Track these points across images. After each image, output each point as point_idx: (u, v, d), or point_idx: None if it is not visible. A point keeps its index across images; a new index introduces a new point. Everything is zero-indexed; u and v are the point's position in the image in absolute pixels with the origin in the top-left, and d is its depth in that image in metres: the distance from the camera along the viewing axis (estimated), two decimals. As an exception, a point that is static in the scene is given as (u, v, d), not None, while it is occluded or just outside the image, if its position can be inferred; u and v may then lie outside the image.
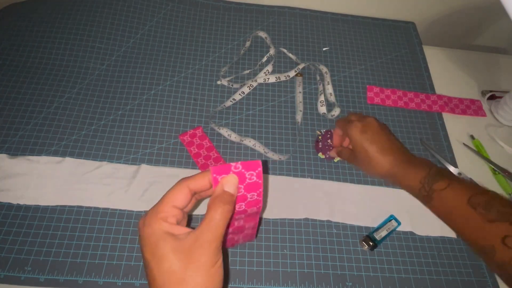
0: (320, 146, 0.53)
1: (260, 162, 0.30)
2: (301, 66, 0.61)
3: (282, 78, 0.60)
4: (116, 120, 0.53)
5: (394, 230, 0.48)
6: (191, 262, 0.27)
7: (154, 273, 0.27)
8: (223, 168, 0.29)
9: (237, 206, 0.32)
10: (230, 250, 0.45)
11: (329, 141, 0.53)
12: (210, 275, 0.27)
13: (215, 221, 0.28)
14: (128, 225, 0.45)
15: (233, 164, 0.29)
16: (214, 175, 0.29)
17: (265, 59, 0.63)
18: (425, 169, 0.42)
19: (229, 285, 0.43)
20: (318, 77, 0.61)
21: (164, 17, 0.65)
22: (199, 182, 0.31)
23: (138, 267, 0.43)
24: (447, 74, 0.68)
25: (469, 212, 0.38)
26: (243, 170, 0.30)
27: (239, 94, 0.57)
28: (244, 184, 0.31)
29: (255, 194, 0.32)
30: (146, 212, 0.30)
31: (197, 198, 0.33)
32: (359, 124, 0.46)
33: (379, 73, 0.65)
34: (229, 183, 0.30)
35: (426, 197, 0.42)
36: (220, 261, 0.28)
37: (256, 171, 0.30)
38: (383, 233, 0.47)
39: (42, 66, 0.57)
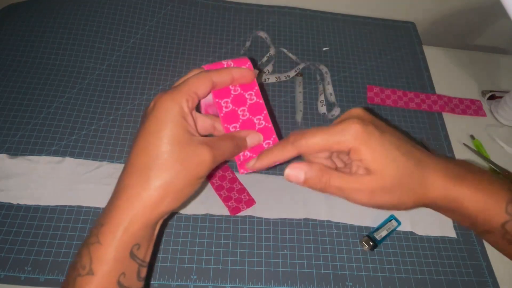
0: None
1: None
2: (301, 66, 0.61)
3: (282, 78, 0.60)
4: (116, 120, 0.53)
5: (394, 230, 0.48)
6: (187, 163, 0.27)
7: (147, 143, 0.27)
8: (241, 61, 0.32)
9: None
10: (230, 250, 0.45)
11: None
12: (193, 184, 0.28)
13: (230, 147, 0.30)
14: None
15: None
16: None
17: (265, 59, 0.63)
18: (499, 182, 0.29)
19: (229, 285, 0.43)
20: (318, 77, 0.61)
21: (164, 17, 0.65)
22: (223, 77, 0.30)
23: (138, 267, 0.42)
24: (447, 74, 0.68)
25: None
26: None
27: (239, 94, 0.57)
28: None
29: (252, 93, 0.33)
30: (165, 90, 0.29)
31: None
32: (362, 121, 0.27)
33: (379, 73, 0.65)
34: (253, 139, 0.31)
35: None
36: (202, 180, 0.29)
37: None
38: (383, 233, 0.47)
39: (42, 66, 0.57)
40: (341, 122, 0.28)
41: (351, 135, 0.27)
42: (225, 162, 0.51)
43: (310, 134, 0.27)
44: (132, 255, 0.26)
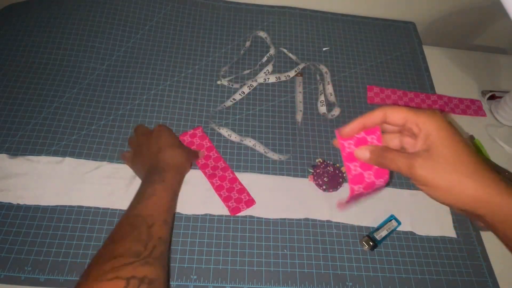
0: (319, 182, 0.50)
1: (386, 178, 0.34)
2: (301, 66, 0.61)
3: (282, 78, 0.60)
4: (116, 120, 0.53)
5: (394, 230, 0.48)
6: (189, 154, 0.48)
7: (171, 144, 0.46)
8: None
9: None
10: (230, 250, 0.45)
11: (325, 178, 0.50)
12: (190, 162, 0.49)
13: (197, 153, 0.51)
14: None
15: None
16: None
17: (265, 59, 0.63)
18: None
19: (229, 285, 0.43)
20: (318, 77, 0.61)
21: (164, 17, 0.65)
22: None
23: (138, 267, 0.42)
24: (447, 74, 0.68)
25: None
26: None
27: (239, 94, 0.57)
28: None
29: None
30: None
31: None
32: (440, 113, 0.31)
33: (379, 73, 0.65)
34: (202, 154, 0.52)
35: None
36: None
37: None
38: (383, 233, 0.47)
39: (42, 66, 0.57)
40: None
41: (432, 116, 0.30)
42: (222, 160, 0.51)
43: (397, 106, 0.32)
44: (179, 182, 0.45)
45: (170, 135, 0.47)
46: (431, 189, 0.29)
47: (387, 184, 0.37)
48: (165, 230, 0.38)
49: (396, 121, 0.31)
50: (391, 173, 0.34)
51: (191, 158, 0.49)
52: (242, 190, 0.49)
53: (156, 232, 0.36)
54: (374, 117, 0.32)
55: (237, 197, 0.48)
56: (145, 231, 0.36)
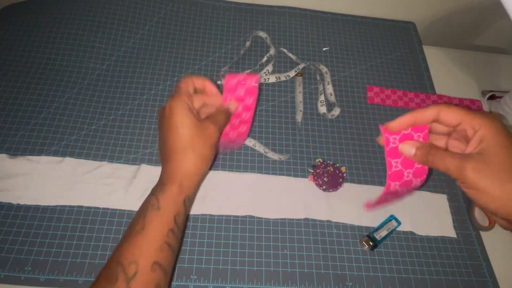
0: (319, 182, 0.50)
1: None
2: (301, 66, 0.61)
3: (282, 78, 0.60)
4: (116, 120, 0.53)
5: (394, 230, 0.48)
6: (204, 137, 0.37)
7: (177, 132, 0.36)
8: None
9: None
10: (230, 250, 0.45)
11: (325, 178, 0.50)
12: (212, 149, 0.38)
13: (224, 118, 0.40)
14: (128, 225, 0.45)
15: None
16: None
17: (265, 59, 0.63)
18: None
19: (229, 285, 0.43)
20: (318, 77, 0.61)
21: (164, 17, 0.65)
22: (199, 81, 0.40)
23: (138, 267, 0.42)
24: (447, 74, 0.68)
25: None
26: None
27: (239, 94, 0.57)
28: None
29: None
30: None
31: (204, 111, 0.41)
32: (498, 118, 0.32)
33: (379, 73, 0.65)
34: (233, 107, 0.41)
35: None
36: (216, 144, 0.39)
37: None
38: (383, 233, 0.47)
39: (42, 66, 0.57)
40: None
41: (489, 120, 0.29)
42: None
43: (452, 105, 0.30)
44: (185, 203, 0.37)
45: (183, 126, 0.36)
46: (479, 194, 0.28)
47: (422, 185, 0.35)
48: (153, 276, 0.32)
49: (449, 121, 0.30)
50: (429, 174, 0.33)
51: (212, 152, 0.38)
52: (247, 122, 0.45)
53: (137, 285, 0.31)
54: (427, 114, 0.31)
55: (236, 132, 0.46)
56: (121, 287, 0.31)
